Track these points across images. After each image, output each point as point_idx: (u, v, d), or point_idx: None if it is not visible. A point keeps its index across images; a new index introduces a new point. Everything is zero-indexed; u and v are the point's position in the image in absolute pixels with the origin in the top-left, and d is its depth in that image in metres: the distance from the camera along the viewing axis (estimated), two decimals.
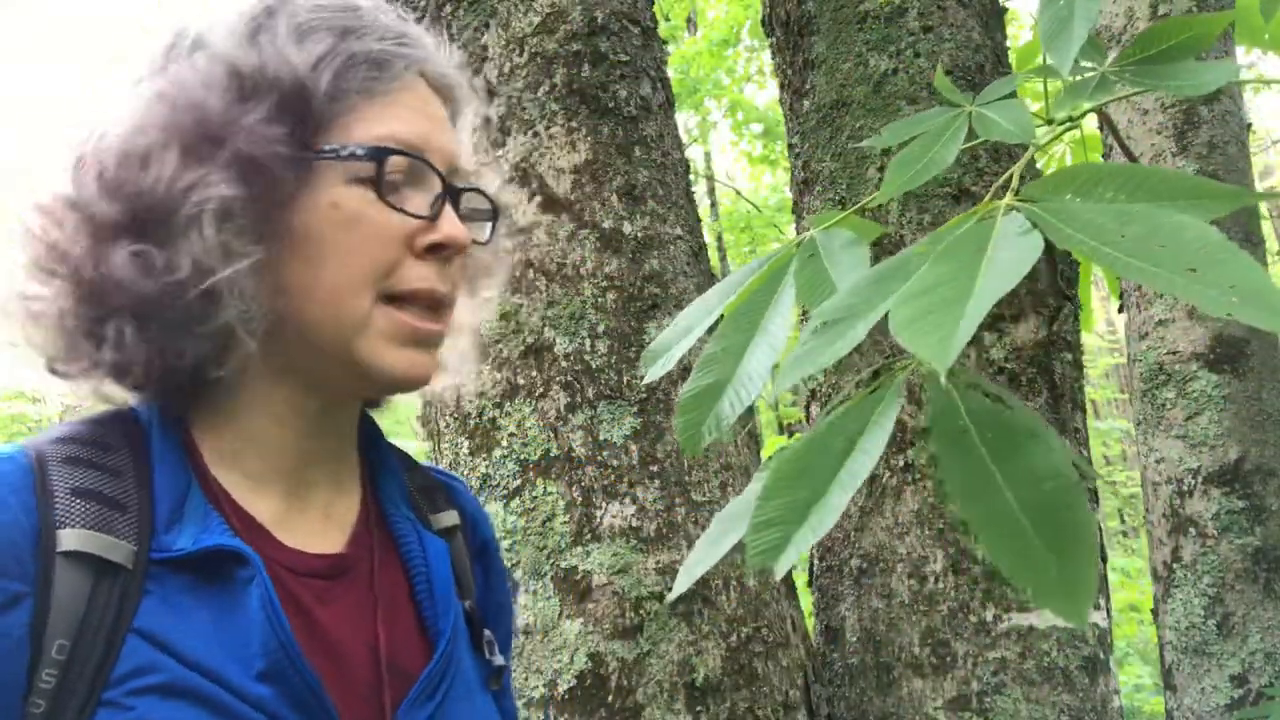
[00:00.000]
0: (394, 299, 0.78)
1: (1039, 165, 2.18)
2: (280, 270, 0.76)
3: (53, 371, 0.77)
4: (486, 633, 0.90)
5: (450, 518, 0.94)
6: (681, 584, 0.63)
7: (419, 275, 0.78)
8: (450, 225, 0.79)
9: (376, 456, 0.91)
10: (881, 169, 2.00)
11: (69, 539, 0.68)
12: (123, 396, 0.80)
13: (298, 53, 0.76)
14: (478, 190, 0.86)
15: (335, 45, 0.77)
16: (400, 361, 0.78)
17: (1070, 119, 0.66)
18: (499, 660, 0.90)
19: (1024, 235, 0.42)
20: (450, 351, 0.90)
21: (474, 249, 0.87)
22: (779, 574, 0.50)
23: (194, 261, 0.72)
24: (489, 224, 0.90)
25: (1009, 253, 0.41)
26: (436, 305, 0.80)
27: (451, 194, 0.81)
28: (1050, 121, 0.66)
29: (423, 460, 1.00)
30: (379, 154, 0.76)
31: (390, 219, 0.77)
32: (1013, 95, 0.69)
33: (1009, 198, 0.47)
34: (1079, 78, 0.68)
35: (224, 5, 0.80)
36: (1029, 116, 0.66)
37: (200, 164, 0.72)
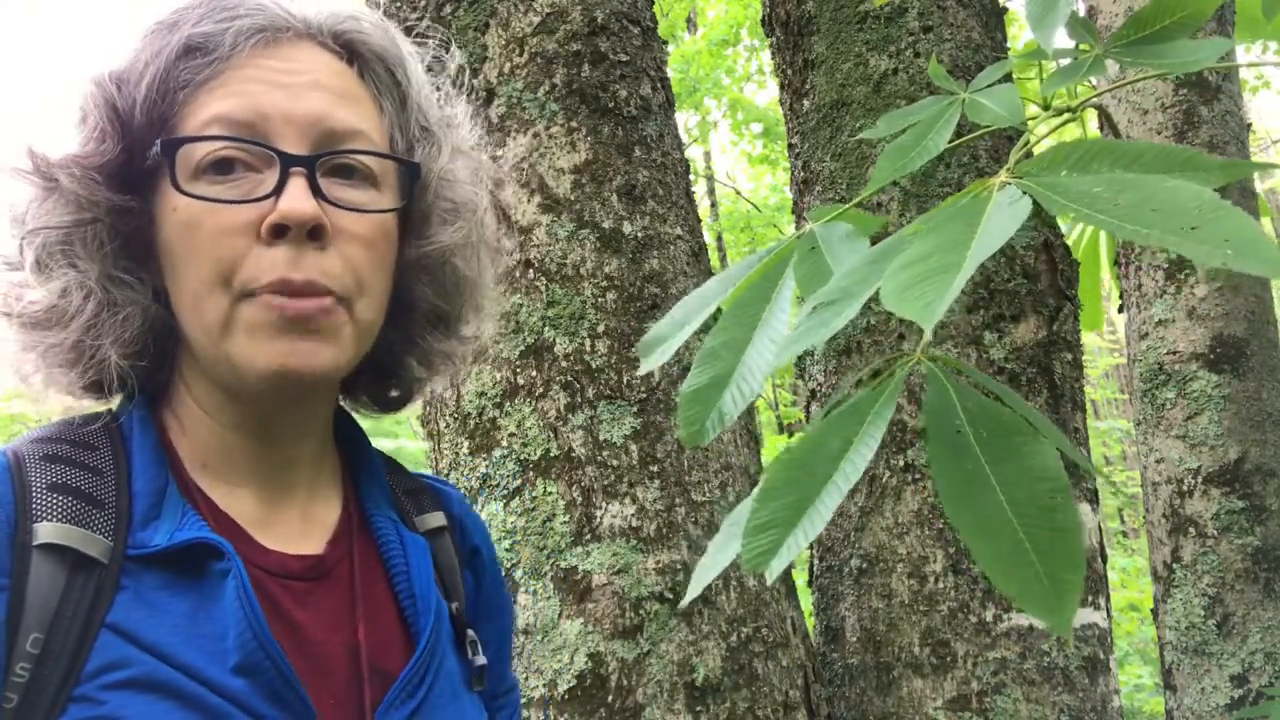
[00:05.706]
0: (252, 295, 0.72)
1: None
2: (165, 285, 0.77)
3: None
4: (470, 633, 0.90)
5: (436, 519, 0.93)
6: (693, 590, 0.63)
7: (267, 265, 0.72)
8: (289, 201, 0.71)
9: (357, 458, 0.90)
10: None
11: (45, 532, 0.68)
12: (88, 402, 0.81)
13: (128, 66, 0.75)
14: (363, 152, 0.77)
15: (158, 45, 0.75)
16: (270, 355, 0.72)
17: (1070, 109, 0.66)
18: (480, 660, 0.89)
19: (1014, 204, 0.42)
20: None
21: (366, 217, 0.76)
22: (771, 578, 0.50)
23: (62, 289, 0.75)
24: (377, 186, 0.79)
25: (998, 219, 0.41)
26: (299, 295, 0.72)
27: (307, 164, 0.73)
28: (1048, 107, 0.67)
29: (422, 460, 0.99)
30: (167, 147, 0.73)
31: (227, 210, 0.72)
32: (1007, 80, 0.69)
33: (1003, 174, 0.47)
34: (1074, 59, 0.68)
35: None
36: (1019, 100, 0.66)
37: (44, 202, 0.75)
